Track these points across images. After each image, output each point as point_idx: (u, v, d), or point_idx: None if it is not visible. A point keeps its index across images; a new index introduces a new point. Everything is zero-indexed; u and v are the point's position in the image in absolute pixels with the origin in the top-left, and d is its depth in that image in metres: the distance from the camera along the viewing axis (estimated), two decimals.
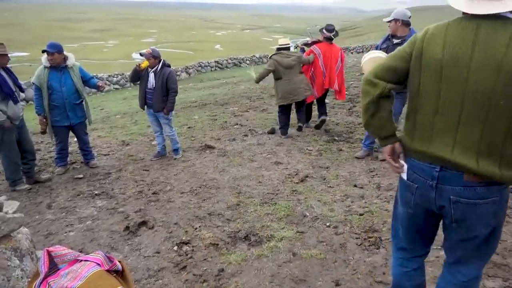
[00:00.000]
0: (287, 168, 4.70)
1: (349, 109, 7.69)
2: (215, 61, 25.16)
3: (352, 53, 34.02)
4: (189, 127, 7.01)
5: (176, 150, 5.39)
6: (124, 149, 5.98)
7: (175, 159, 5.31)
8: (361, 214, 3.40)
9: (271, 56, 5.75)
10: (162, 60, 4.99)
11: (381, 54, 3.92)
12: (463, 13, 1.49)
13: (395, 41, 4.24)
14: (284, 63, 5.60)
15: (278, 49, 5.75)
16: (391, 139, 1.68)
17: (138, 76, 5.05)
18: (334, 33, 5.84)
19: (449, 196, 1.51)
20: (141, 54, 4.94)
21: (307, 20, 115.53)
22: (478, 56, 1.37)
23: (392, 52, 1.65)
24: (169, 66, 5.04)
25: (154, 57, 4.90)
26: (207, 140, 6.04)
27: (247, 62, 26.90)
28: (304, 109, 6.03)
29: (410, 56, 1.54)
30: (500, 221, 1.55)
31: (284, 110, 5.89)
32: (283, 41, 5.87)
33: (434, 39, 1.48)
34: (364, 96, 1.63)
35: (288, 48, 5.83)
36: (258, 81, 5.84)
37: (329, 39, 5.89)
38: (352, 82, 10.85)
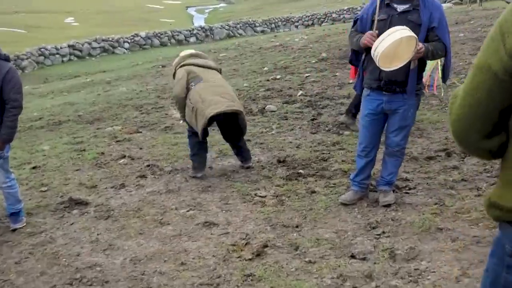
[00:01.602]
0: (228, 233, 4.59)
1: (311, 119, 7.81)
2: (68, 45, 25.62)
3: (296, 27, 35.76)
4: (34, 168, 6.87)
5: (16, 215, 5.09)
6: None
7: (14, 231, 5.02)
8: None
9: (176, 68, 6.12)
10: None
11: (405, 32, 3.88)
12: None
13: (400, 7, 4.23)
14: (199, 63, 6.12)
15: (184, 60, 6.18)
16: None
17: None
18: None
19: None
20: None
21: None
22: None
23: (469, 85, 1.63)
24: (7, 59, 4.83)
25: None
26: (72, 190, 5.88)
27: (125, 45, 27.36)
28: (244, 143, 6.26)
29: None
30: None
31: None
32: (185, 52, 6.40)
33: None
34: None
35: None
36: (182, 116, 6.12)
37: None
38: (308, 75, 11.18)
